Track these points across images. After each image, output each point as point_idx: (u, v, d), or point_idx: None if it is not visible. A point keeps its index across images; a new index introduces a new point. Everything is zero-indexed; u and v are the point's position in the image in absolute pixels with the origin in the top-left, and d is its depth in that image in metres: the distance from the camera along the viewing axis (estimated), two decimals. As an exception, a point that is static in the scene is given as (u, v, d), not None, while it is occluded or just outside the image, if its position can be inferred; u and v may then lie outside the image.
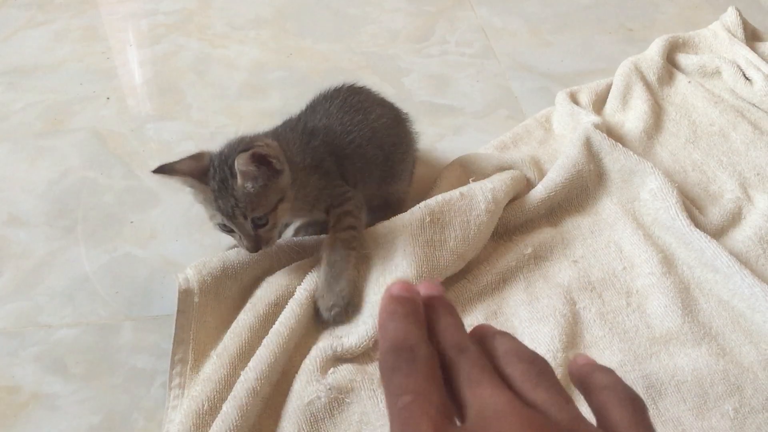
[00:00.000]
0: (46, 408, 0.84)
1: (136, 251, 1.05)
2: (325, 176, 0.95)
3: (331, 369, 0.82)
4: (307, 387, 0.81)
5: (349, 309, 0.89)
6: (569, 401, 0.34)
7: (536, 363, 0.36)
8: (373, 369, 0.83)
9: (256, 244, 0.87)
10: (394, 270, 0.91)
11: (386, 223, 0.97)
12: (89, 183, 1.18)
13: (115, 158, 1.24)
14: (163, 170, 0.86)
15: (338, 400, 0.80)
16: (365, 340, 0.85)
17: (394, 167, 1.03)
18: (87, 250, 1.06)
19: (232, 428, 0.75)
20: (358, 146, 0.98)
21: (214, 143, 1.26)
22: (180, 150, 1.25)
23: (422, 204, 0.98)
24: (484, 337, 0.38)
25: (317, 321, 0.90)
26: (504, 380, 0.35)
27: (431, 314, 0.38)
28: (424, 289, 0.39)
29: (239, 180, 0.84)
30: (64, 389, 0.86)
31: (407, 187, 1.10)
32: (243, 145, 0.86)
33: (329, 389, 0.80)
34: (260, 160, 0.84)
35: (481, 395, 0.33)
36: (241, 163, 0.82)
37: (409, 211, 0.97)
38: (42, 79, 1.47)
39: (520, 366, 0.36)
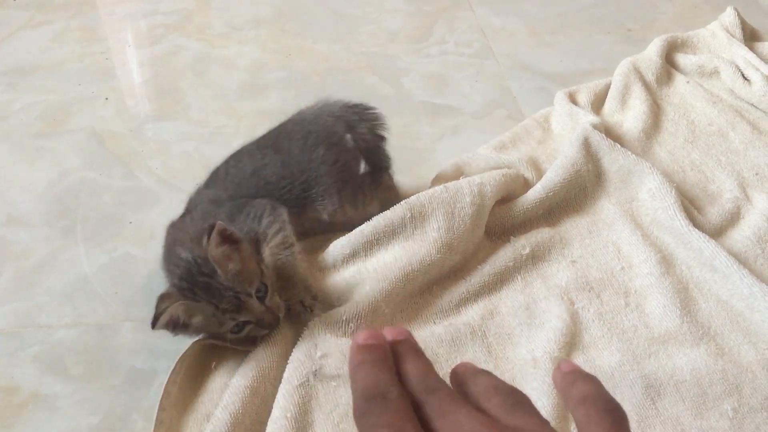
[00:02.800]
0: (45, 408, 0.84)
1: (135, 251, 1.05)
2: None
3: (319, 354, 0.83)
4: (296, 371, 0.81)
5: (316, 298, 0.90)
6: (545, 423, 0.35)
7: (513, 395, 0.37)
8: None
9: (273, 315, 0.82)
10: (377, 263, 0.94)
11: (369, 222, 0.98)
12: (88, 183, 1.18)
13: (114, 158, 1.24)
14: (155, 324, 0.78)
15: (324, 383, 0.81)
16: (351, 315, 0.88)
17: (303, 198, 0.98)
18: (86, 250, 1.06)
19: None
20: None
21: (213, 143, 1.27)
22: (179, 150, 1.25)
23: (403, 201, 0.99)
24: (463, 376, 0.39)
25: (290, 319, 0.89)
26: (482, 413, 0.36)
27: (398, 359, 0.38)
28: (389, 335, 0.40)
29: (220, 271, 0.79)
30: (63, 390, 0.86)
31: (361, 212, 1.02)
32: (203, 233, 0.80)
33: (316, 374, 0.81)
34: (226, 238, 0.80)
35: (453, 421, 0.34)
36: (213, 253, 0.78)
37: (390, 209, 0.98)
38: (41, 80, 1.47)
39: (497, 399, 0.37)
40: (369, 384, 0.36)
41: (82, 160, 1.24)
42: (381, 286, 0.90)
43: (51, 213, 1.12)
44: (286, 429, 0.76)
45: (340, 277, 0.94)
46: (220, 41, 1.60)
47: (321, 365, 0.82)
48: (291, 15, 1.71)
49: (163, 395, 0.81)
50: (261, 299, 0.82)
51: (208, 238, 0.79)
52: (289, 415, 0.77)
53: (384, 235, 0.96)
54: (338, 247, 0.97)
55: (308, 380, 0.81)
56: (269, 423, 0.78)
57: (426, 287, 0.95)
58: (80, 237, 1.08)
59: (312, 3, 1.76)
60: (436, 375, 0.38)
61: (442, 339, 0.88)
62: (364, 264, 0.95)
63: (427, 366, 0.38)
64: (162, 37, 1.62)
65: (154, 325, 0.78)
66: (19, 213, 1.13)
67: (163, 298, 0.80)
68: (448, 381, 0.39)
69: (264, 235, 0.90)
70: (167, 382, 0.82)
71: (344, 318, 0.88)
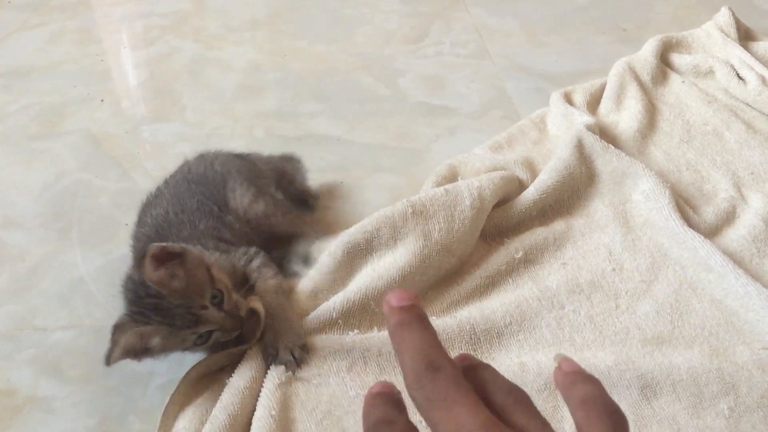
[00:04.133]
0: (41, 411, 0.84)
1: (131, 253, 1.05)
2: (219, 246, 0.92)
3: (298, 352, 0.83)
4: (279, 368, 0.82)
5: (305, 348, 0.85)
6: (546, 425, 0.35)
7: (513, 392, 0.37)
8: (343, 357, 0.84)
9: (236, 320, 0.80)
10: (380, 260, 0.94)
11: (371, 216, 0.97)
12: (84, 185, 1.18)
13: (110, 160, 1.24)
14: (110, 360, 0.75)
15: (305, 380, 0.81)
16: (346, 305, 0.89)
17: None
18: (82, 252, 1.06)
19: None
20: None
21: (209, 144, 1.26)
22: (175, 151, 1.25)
23: (404, 199, 0.99)
24: (462, 369, 0.38)
25: (275, 364, 0.84)
26: None
27: (403, 328, 0.37)
28: (395, 300, 0.38)
29: (166, 292, 0.76)
30: (59, 392, 0.86)
31: None
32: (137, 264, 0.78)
33: (297, 372, 0.82)
34: (160, 260, 0.77)
35: (457, 415, 0.33)
36: (151, 278, 0.75)
37: (391, 206, 0.98)
38: (37, 82, 1.46)
39: (498, 397, 0.36)
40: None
41: (78, 161, 1.24)
42: (376, 284, 0.90)
43: (47, 215, 1.12)
44: (270, 426, 0.76)
45: (336, 267, 0.94)
46: (216, 42, 1.60)
47: (303, 361, 0.83)
48: (287, 16, 1.71)
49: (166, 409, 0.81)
50: (218, 305, 0.80)
51: (142, 263, 0.76)
52: (273, 413, 0.77)
53: (386, 228, 0.95)
54: (339, 238, 0.96)
55: (290, 377, 0.81)
56: (254, 421, 0.78)
57: (421, 291, 0.95)
58: (76, 239, 1.08)
59: (308, 4, 1.76)
60: (442, 349, 0.36)
61: None
62: (364, 259, 0.94)
63: (433, 337, 0.37)
64: (158, 39, 1.62)
65: (108, 362, 0.74)
66: (15, 215, 1.12)
67: (116, 329, 0.76)
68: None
69: (258, 272, 0.89)
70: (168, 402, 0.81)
71: (334, 316, 0.88)
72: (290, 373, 0.82)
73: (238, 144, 1.27)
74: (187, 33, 1.64)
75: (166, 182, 1.02)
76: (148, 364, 0.89)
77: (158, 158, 1.24)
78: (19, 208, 1.14)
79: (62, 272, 1.02)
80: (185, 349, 0.81)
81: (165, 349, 0.79)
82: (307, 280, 0.94)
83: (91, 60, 1.54)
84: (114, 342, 0.75)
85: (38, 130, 1.32)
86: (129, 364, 0.88)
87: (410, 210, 0.97)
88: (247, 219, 0.97)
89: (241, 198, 0.98)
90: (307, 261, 0.97)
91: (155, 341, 0.77)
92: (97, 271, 1.02)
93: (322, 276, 0.94)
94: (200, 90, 1.43)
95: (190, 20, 1.69)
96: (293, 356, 0.83)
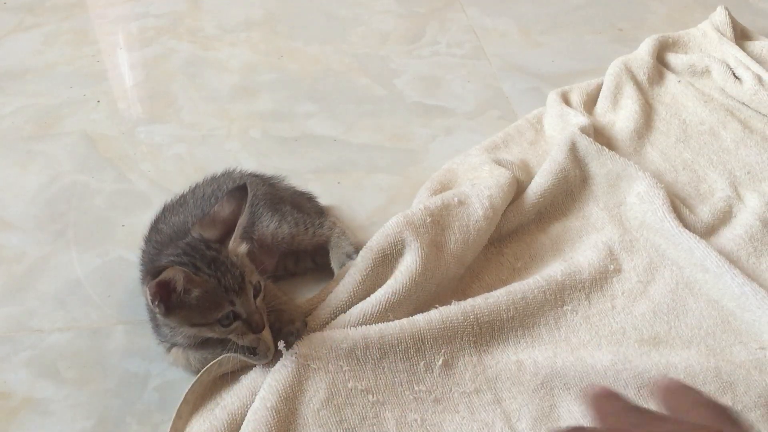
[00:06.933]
0: (38, 413, 0.84)
1: (127, 255, 1.04)
2: None
3: (299, 324, 0.84)
4: (273, 361, 0.82)
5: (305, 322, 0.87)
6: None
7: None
8: (342, 339, 0.83)
9: (260, 320, 0.79)
10: (401, 263, 0.92)
11: (389, 222, 0.96)
12: (80, 187, 1.18)
13: (105, 162, 1.23)
14: (158, 276, 0.74)
15: (304, 366, 0.80)
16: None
17: None
18: (78, 254, 1.05)
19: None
20: None
21: (205, 146, 1.26)
22: (171, 153, 1.25)
23: (421, 205, 0.98)
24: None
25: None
26: None
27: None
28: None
29: (238, 242, 0.80)
30: (56, 394, 0.86)
31: None
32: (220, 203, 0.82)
33: (295, 354, 0.81)
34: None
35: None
36: (244, 218, 0.80)
37: (409, 210, 0.97)
38: (32, 83, 1.46)
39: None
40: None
41: (73, 163, 1.23)
42: (393, 292, 0.89)
43: (42, 217, 1.12)
44: (266, 419, 0.76)
45: (363, 278, 0.92)
46: (212, 43, 1.60)
47: (299, 348, 0.82)
48: (282, 17, 1.71)
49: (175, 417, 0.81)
50: (255, 296, 0.80)
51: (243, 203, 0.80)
52: (269, 405, 0.77)
53: (408, 231, 0.94)
54: (365, 249, 0.95)
55: (285, 365, 0.80)
56: (249, 413, 0.78)
57: (426, 291, 0.94)
58: (72, 241, 1.07)
59: (303, 5, 1.76)
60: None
61: (432, 319, 0.86)
62: (389, 266, 0.93)
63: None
64: (153, 40, 1.61)
65: (155, 275, 0.73)
66: (11, 217, 1.12)
67: (158, 268, 0.75)
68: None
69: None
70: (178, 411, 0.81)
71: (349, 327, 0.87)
72: (294, 349, 0.81)
73: (234, 145, 1.27)
74: (182, 34, 1.63)
75: (192, 192, 1.00)
76: (144, 365, 0.89)
77: (154, 159, 1.24)
78: (14, 210, 1.13)
79: (58, 274, 1.02)
80: (206, 329, 0.79)
81: (199, 306, 0.77)
82: (334, 297, 0.91)
83: (87, 61, 1.53)
84: (160, 270, 0.73)
85: (34, 131, 1.32)
86: (125, 365, 0.88)
87: (429, 219, 0.96)
88: (275, 243, 0.97)
89: (267, 226, 0.96)
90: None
91: (195, 294, 0.76)
92: (93, 273, 1.02)
93: (349, 289, 0.91)
94: (196, 91, 1.43)
95: (186, 21, 1.68)
96: (291, 330, 0.84)
